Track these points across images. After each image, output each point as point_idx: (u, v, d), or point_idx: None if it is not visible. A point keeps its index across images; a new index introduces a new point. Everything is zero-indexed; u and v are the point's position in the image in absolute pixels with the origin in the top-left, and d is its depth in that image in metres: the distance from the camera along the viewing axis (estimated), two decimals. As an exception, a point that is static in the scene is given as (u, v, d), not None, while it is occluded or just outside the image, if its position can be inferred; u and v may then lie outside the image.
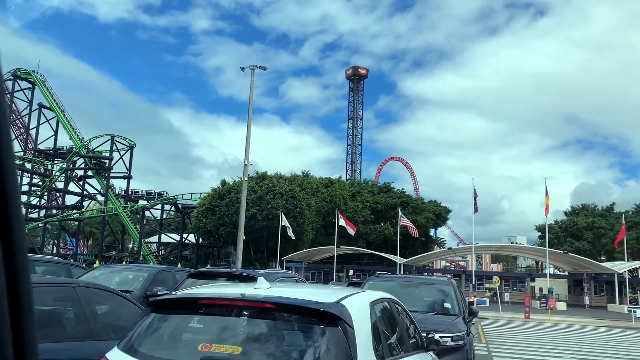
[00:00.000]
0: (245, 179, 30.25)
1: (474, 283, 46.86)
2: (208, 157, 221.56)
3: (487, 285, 61.36)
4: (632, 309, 36.56)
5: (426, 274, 72.52)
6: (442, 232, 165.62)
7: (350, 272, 62.48)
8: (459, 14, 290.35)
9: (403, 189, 75.14)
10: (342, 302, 3.36)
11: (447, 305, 8.41)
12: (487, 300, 43.93)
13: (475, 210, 45.39)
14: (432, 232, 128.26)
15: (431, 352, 5.07)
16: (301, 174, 71.96)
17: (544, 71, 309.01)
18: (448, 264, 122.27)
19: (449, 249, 61.37)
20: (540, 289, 59.45)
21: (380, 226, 70.66)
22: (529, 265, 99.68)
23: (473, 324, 9.24)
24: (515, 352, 15.24)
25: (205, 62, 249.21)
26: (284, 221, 50.78)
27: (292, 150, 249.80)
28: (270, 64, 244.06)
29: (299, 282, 9.17)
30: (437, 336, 4.99)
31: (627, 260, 58.31)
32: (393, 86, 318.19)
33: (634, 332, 27.31)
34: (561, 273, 67.83)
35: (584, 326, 29.74)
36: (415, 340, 4.85)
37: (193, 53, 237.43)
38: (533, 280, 59.06)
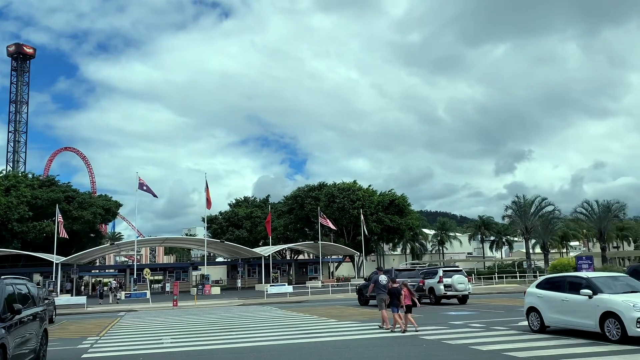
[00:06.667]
0: None
1: (134, 277, 47.29)
2: None
3: (152, 278, 62.70)
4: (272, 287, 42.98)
5: (95, 271, 69.47)
6: (122, 227, 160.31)
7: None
8: (147, 2, 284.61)
9: (69, 182, 70.18)
10: None
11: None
12: (148, 292, 44.90)
13: (154, 195, 46.65)
14: (110, 227, 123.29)
15: None
16: None
17: (229, 70, 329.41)
18: (126, 259, 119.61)
19: (111, 244, 60.36)
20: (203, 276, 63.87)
21: (40, 224, 64.45)
22: (204, 255, 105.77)
23: (23, 322, 9.47)
24: (122, 341, 16.31)
25: None
26: None
27: None
28: None
29: None
30: None
31: (279, 244, 67.63)
32: (75, 68, 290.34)
33: (262, 306, 32.13)
34: (225, 260, 74.25)
35: (222, 307, 33.42)
36: None
37: None
38: (196, 269, 63.06)
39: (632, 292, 12.46)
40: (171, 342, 15.28)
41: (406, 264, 78.47)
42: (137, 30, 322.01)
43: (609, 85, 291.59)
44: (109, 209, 70.66)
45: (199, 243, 62.05)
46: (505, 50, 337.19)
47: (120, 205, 73.82)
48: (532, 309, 14.43)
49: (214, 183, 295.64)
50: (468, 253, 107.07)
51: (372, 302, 28.90)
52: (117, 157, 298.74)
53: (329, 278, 66.93)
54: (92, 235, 73.85)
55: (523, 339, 13.05)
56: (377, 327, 16.60)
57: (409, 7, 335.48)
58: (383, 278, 16.38)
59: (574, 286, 13.13)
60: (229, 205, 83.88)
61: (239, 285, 56.91)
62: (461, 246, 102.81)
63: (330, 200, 67.77)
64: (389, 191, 72.43)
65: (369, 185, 72.83)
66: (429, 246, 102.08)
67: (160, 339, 16.18)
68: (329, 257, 70.04)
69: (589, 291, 12.43)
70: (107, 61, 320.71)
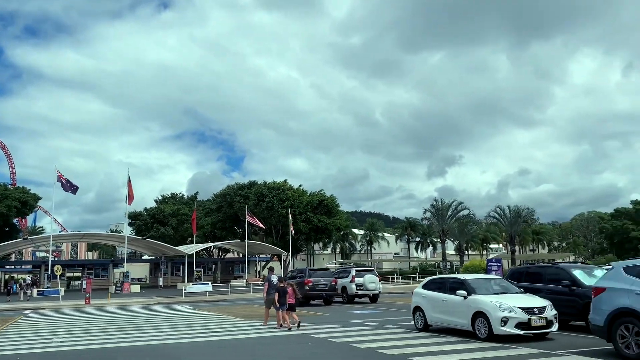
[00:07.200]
0: None
1: (49, 273, 45.38)
2: None
3: (72, 274, 60.38)
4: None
5: (11, 267, 66.01)
6: (46, 221, 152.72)
7: None
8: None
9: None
10: None
11: None
12: (62, 289, 43.30)
13: (72, 191, 43.90)
14: (31, 220, 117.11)
15: None
16: None
17: (166, 62, 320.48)
18: (47, 253, 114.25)
19: (24, 238, 57.59)
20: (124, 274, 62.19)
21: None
22: (129, 252, 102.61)
23: None
24: (10, 341, 15.74)
25: None
26: None
27: None
28: None
29: None
30: None
31: (207, 242, 66.68)
32: None
33: (177, 305, 31.72)
34: (149, 257, 72.41)
35: (135, 305, 32.71)
36: None
37: None
38: (116, 266, 61.23)
39: (502, 293, 13.47)
40: (61, 342, 14.96)
41: (335, 263, 79.64)
42: (69, 16, 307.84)
43: (535, 96, 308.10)
44: (26, 202, 67.16)
45: (120, 240, 60.23)
46: (441, 58, 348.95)
47: (39, 198, 70.36)
48: (417, 309, 15.23)
49: (147, 178, 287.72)
50: (395, 253, 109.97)
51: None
52: (43, 147, 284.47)
53: (256, 277, 66.86)
54: (6, 229, 70.07)
55: (404, 337, 13.76)
56: (274, 326, 16.95)
57: (351, 10, 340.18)
58: (274, 278, 16.79)
59: (453, 287, 13.99)
60: (155, 201, 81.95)
61: (161, 283, 55.83)
62: (389, 246, 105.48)
63: (260, 199, 67.72)
64: (319, 192, 73.27)
65: (299, 185, 73.43)
66: (358, 246, 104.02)
67: (52, 339, 15.80)
68: (256, 256, 69.93)
69: (464, 292, 13.31)
70: (36, 46, 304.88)
